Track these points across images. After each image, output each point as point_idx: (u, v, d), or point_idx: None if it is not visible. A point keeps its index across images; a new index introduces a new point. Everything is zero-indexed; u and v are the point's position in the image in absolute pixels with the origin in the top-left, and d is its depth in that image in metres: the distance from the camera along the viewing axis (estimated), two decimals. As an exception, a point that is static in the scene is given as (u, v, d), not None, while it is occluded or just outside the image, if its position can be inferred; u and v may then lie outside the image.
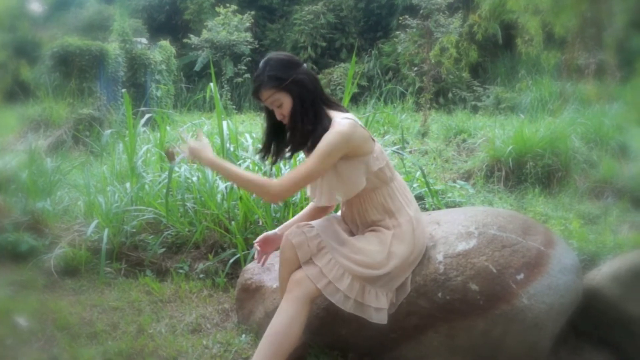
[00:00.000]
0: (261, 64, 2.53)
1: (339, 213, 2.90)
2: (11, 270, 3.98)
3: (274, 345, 2.37)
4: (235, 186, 3.98)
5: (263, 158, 2.67)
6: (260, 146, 2.69)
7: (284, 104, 2.49)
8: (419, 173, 4.81)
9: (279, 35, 17.30)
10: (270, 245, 2.97)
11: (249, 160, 4.28)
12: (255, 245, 2.95)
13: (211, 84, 4.36)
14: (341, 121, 2.45)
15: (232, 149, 4.39)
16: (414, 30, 10.66)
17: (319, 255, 2.50)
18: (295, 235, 2.54)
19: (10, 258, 4.11)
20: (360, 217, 2.68)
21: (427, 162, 6.78)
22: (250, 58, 15.57)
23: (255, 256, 3.01)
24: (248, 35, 15.89)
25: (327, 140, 2.41)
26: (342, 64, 15.15)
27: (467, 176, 6.25)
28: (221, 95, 12.69)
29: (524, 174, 5.88)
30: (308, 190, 2.76)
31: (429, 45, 9.81)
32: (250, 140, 4.76)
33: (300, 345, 2.75)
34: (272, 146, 2.64)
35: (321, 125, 2.48)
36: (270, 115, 2.60)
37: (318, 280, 2.44)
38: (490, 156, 6.25)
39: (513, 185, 5.86)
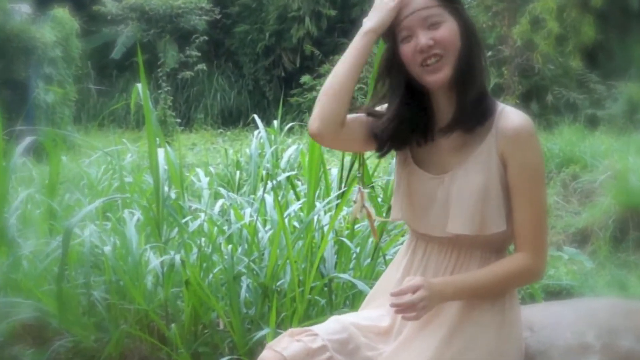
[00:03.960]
0: None
1: (361, 309, 2.13)
2: None
3: None
4: (178, 263, 2.80)
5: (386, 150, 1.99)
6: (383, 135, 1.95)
7: (442, 27, 1.82)
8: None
9: (255, 0, 13.26)
10: None
11: (203, 215, 3.15)
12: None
13: (139, 84, 3.12)
14: (520, 112, 1.91)
15: (173, 195, 3.18)
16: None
17: None
18: (288, 345, 1.87)
19: None
20: None
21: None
22: (206, 37, 12.25)
23: None
24: (203, 0, 12.58)
25: (535, 155, 1.90)
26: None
27: (582, 238, 5.07)
28: (157, 102, 9.96)
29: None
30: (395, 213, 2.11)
31: (511, 14, 8.18)
32: (205, 179, 3.65)
33: None
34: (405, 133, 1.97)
35: (487, 97, 1.85)
36: (397, 92, 1.88)
37: None
38: (621, 204, 5.04)
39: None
